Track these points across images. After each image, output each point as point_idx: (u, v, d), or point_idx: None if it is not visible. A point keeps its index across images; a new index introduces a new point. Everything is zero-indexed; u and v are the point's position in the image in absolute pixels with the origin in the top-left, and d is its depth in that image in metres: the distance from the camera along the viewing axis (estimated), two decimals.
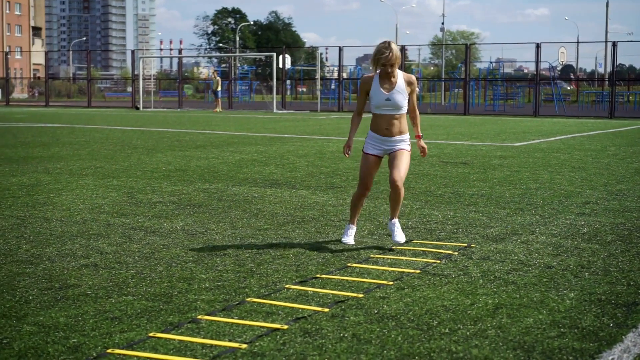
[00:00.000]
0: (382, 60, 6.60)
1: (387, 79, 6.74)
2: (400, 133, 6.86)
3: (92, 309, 4.96)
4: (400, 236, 6.97)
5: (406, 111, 6.85)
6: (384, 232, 7.61)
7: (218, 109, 45.37)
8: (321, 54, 71.45)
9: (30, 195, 9.91)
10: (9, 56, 63.43)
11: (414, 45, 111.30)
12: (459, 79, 56.64)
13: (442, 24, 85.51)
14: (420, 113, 34.94)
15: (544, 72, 50.64)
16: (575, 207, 9.20)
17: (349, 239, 7.04)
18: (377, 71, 6.77)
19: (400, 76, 6.77)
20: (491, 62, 58.17)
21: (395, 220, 7.06)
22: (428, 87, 67.40)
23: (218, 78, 47.61)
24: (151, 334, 4.47)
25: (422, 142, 7.14)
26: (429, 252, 6.75)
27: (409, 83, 6.80)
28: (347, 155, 7.04)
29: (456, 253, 6.71)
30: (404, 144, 6.90)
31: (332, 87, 59.26)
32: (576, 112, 44.51)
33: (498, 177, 12.25)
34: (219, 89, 46.66)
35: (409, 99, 6.83)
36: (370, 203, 9.41)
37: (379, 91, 6.75)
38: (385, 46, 6.61)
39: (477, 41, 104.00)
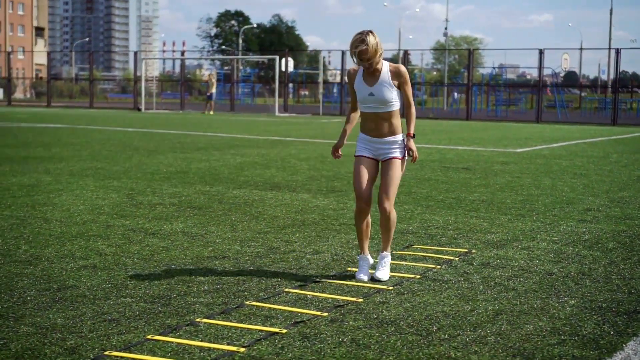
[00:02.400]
0: (357, 54, 5.79)
1: (371, 72, 5.96)
2: (392, 134, 6.01)
3: (90, 311, 4.93)
4: (383, 273, 5.92)
5: (397, 107, 5.99)
6: None
7: (211, 112, 45.29)
8: (324, 57, 71.50)
9: (30, 195, 9.90)
10: (11, 56, 63.46)
11: (417, 50, 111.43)
12: (461, 84, 56.60)
13: (446, 29, 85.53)
14: (422, 117, 34.58)
15: (546, 79, 50.57)
16: (576, 214, 9.17)
17: (363, 274, 5.97)
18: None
19: (386, 67, 5.94)
20: (494, 68, 58.10)
21: (386, 254, 6.06)
22: (430, 92, 67.39)
23: (213, 81, 47.58)
24: (149, 337, 4.44)
25: (412, 143, 6.03)
26: (429, 258, 6.73)
27: (397, 75, 5.92)
28: (335, 157, 6.31)
29: (457, 259, 6.69)
30: (396, 150, 6.02)
31: (335, 90, 59.26)
32: (579, 118, 44.47)
33: (500, 182, 12.22)
34: (213, 91, 46.56)
35: (402, 93, 6.00)
36: (372, 207, 9.36)
37: (362, 85, 5.98)
38: (359, 38, 5.78)
39: (480, 46, 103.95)
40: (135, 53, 55.54)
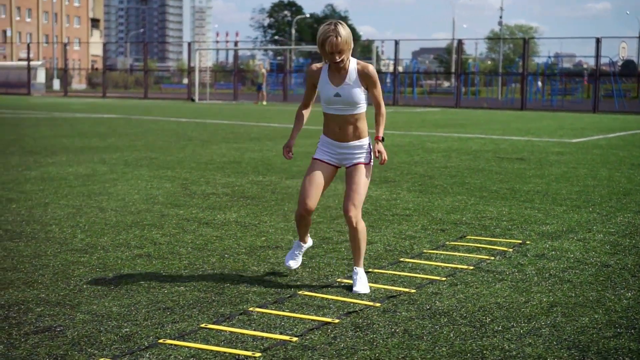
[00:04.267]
0: (327, 47, 5.20)
1: (337, 69, 5.37)
2: (357, 138, 5.44)
3: (144, 299, 4.99)
4: (361, 286, 5.32)
5: (364, 110, 5.45)
6: (438, 228, 7.54)
7: (264, 102, 45.53)
8: (377, 47, 71.24)
9: (86, 185, 10.04)
10: (67, 47, 64.40)
11: (471, 39, 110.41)
12: (516, 73, 55.99)
13: (500, 17, 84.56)
14: (476, 107, 34.37)
15: (604, 68, 49.80)
16: (634, 205, 9.02)
17: (290, 260, 5.71)
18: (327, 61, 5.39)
19: (353, 66, 5.36)
20: (550, 57, 57.40)
21: (359, 270, 5.41)
22: (485, 82, 66.76)
23: (263, 71, 47.81)
24: (203, 325, 4.48)
25: (381, 146, 5.45)
26: (482, 249, 6.67)
27: (365, 75, 5.35)
28: (287, 157, 5.71)
29: (511, 250, 6.62)
30: (361, 154, 5.45)
31: (388, 80, 59.05)
32: (637, 108, 43.69)
33: (555, 173, 12.07)
34: (263, 82, 46.79)
35: (370, 94, 5.46)
36: (425, 198, 9.34)
37: (327, 85, 5.39)
38: (330, 28, 5.20)
39: (535, 35, 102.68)
40: (189, 44, 55.98)
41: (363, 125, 5.47)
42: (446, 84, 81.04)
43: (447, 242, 6.88)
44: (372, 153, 5.50)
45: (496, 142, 18.29)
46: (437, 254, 6.44)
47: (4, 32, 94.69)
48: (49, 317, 4.60)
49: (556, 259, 6.28)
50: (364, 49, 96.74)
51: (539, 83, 53.73)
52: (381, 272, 5.79)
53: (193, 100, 49.96)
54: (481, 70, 74.20)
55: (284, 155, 5.69)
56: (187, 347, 4.12)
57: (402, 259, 6.23)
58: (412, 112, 37.50)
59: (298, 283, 5.45)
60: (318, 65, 5.51)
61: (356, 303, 4.97)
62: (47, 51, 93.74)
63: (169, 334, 4.33)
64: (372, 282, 5.49)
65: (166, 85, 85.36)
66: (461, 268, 5.95)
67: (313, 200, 5.43)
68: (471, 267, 5.97)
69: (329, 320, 4.60)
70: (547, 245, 6.80)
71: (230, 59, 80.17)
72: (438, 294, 5.23)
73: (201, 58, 61.21)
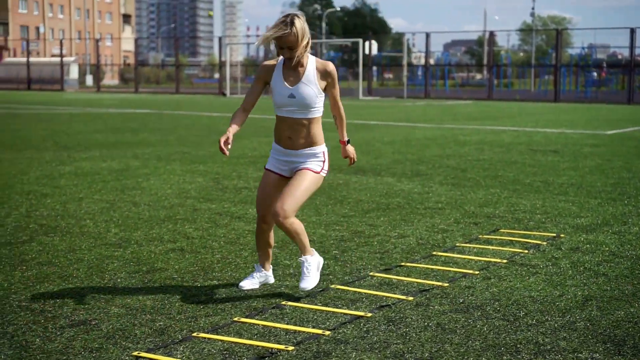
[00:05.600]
0: (278, 41, 4.75)
1: (294, 67, 4.89)
2: (310, 145, 4.95)
3: (178, 293, 5.01)
4: (307, 281, 4.89)
5: (320, 114, 4.99)
6: (470, 221, 7.50)
7: None
8: (408, 40, 71.00)
9: (119, 180, 10.11)
10: (99, 43, 64.91)
11: (503, 30, 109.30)
12: (549, 65, 55.54)
13: (533, 9, 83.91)
14: (508, 100, 34.19)
15: (639, 58, 49.20)
16: None
17: (247, 281, 5.15)
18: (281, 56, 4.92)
19: (312, 64, 4.91)
20: (583, 48, 56.83)
21: (306, 258, 4.94)
22: (517, 74, 66.31)
23: None
24: (236, 319, 4.49)
25: (350, 148, 5.27)
26: (516, 242, 6.62)
27: (325, 74, 4.91)
28: (222, 151, 4.84)
29: (545, 243, 6.57)
30: (312, 162, 4.97)
31: (419, 73, 58.83)
32: None
33: (589, 165, 11.96)
34: None
35: (329, 95, 5.07)
36: (457, 191, 9.30)
37: (281, 84, 4.90)
38: (281, 20, 4.76)
39: (568, 26, 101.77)
40: (220, 38, 56.16)
41: (317, 131, 4.98)
42: (478, 76, 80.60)
43: (480, 236, 6.84)
44: (325, 163, 5.02)
45: (529, 134, 18.16)
46: (470, 247, 6.41)
47: (37, 28, 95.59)
48: (84, 310, 4.64)
49: (591, 252, 6.22)
50: (394, 42, 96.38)
51: (594, 73, 52.79)
52: (414, 266, 5.77)
53: (224, 94, 50.13)
54: (513, 62, 73.66)
55: (220, 149, 4.85)
56: (221, 340, 4.14)
57: (434, 253, 6.20)
58: (443, 104, 37.34)
59: (330, 277, 5.45)
60: (272, 61, 4.98)
61: (389, 297, 4.96)
62: (80, 47, 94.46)
63: (203, 327, 4.35)
64: (405, 276, 5.48)
65: (198, 80, 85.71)
66: (494, 261, 5.91)
67: (268, 211, 4.96)
68: (504, 261, 5.94)
69: (362, 314, 4.59)
70: (582, 239, 6.74)
71: (261, 54, 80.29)
72: (471, 287, 5.20)
73: (232, 52, 61.38)
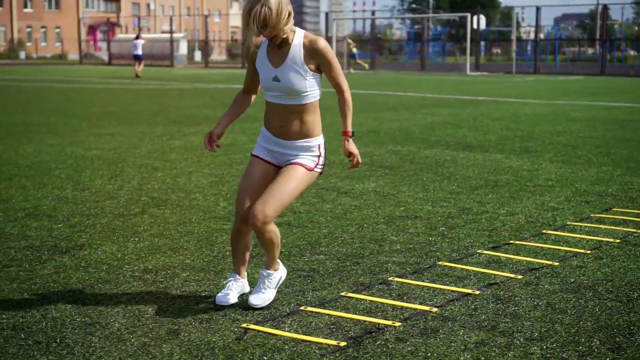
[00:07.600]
0: (252, 20, 4.02)
1: (278, 46, 4.20)
2: (304, 136, 4.26)
3: (285, 267, 5.05)
4: (259, 297, 4.29)
5: (315, 99, 4.27)
6: (582, 199, 7.31)
7: (365, 65, 46.56)
8: (517, 13, 69.54)
9: (227, 154, 10.25)
10: (208, 19, 65.84)
11: (617, 4, 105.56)
12: None
13: None
14: (622, 75, 33.04)
15: None
16: None
17: (225, 295, 4.35)
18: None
19: (298, 40, 4.18)
20: None
21: (269, 272, 4.36)
22: (632, 48, 64.22)
23: (350, 41, 48.74)
24: (342, 294, 4.51)
25: (352, 145, 4.37)
26: (629, 221, 6.43)
27: (313, 52, 4.16)
28: (209, 149, 4.48)
29: None
30: (305, 156, 4.28)
31: (528, 48, 57.62)
32: None
33: None
34: (355, 51, 47.38)
35: (327, 77, 4.30)
36: (568, 168, 9.08)
37: (266, 65, 4.24)
38: None
39: None
40: (327, 14, 56.17)
41: (312, 119, 4.28)
42: (590, 50, 78.38)
43: (592, 214, 6.67)
44: (320, 158, 4.33)
45: None
46: (581, 226, 6.25)
47: (148, 5, 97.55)
48: (194, 282, 4.74)
49: None
50: (503, 16, 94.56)
51: None
52: (523, 244, 5.68)
53: None
54: (627, 36, 71.31)
55: (205, 146, 4.47)
56: (328, 314, 4.16)
57: (544, 231, 6.08)
58: (554, 80, 36.48)
59: (438, 254, 5.41)
60: (260, 39, 4.27)
61: (497, 275, 4.89)
62: (189, 23, 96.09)
63: (310, 301, 4.39)
64: (514, 254, 5.39)
65: None
66: (607, 241, 5.76)
67: (250, 208, 4.23)
68: (617, 241, 5.77)
69: (470, 291, 4.55)
70: None
71: (367, 29, 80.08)
72: (582, 267, 5.08)
73: (338, 28, 61.40)
